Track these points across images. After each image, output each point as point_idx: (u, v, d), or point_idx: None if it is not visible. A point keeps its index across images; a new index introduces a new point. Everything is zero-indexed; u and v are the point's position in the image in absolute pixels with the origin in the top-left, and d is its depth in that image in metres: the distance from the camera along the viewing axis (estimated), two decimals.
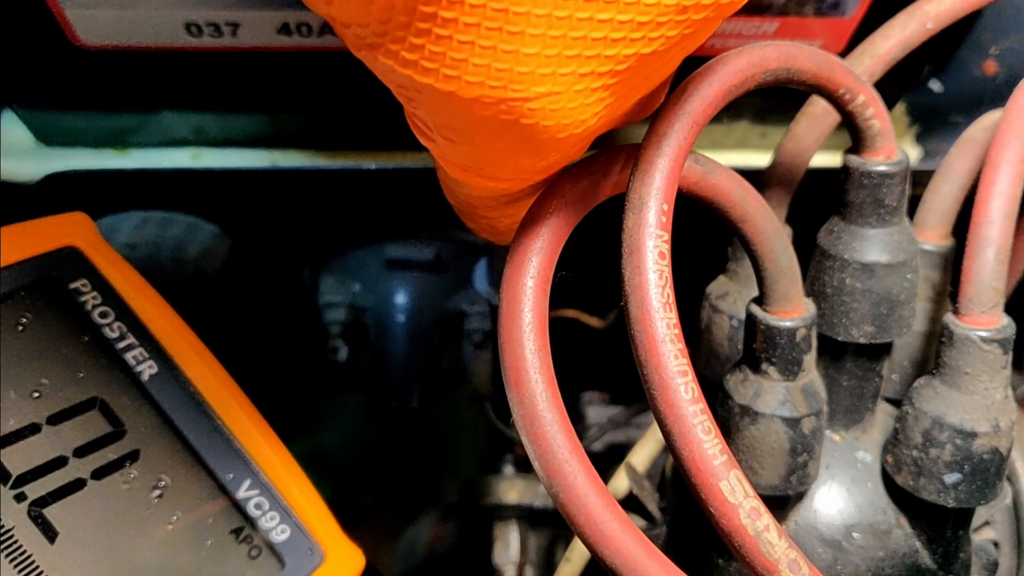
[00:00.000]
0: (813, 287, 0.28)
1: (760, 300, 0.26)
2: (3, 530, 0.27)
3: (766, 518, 0.20)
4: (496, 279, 0.46)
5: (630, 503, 0.35)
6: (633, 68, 0.18)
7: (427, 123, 0.19)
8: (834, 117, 0.30)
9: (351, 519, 0.35)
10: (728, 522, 0.20)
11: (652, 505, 0.34)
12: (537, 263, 0.21)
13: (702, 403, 0.20)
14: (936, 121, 0.41)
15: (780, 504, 0.28)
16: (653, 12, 0.17)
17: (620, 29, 0.17)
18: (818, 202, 0.30)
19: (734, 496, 0.20)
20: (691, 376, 0.20)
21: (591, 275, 0.34)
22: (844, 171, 0.27)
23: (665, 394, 0.20)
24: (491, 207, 0.25)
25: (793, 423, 0.26)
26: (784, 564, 0.20)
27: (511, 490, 0.45)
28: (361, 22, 0.16)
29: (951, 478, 0.26)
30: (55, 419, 0.29)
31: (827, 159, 0.36)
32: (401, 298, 0.49)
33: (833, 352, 0.28)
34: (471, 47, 0.16)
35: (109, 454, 0.30)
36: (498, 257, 0.46)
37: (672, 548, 0.32)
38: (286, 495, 0.32)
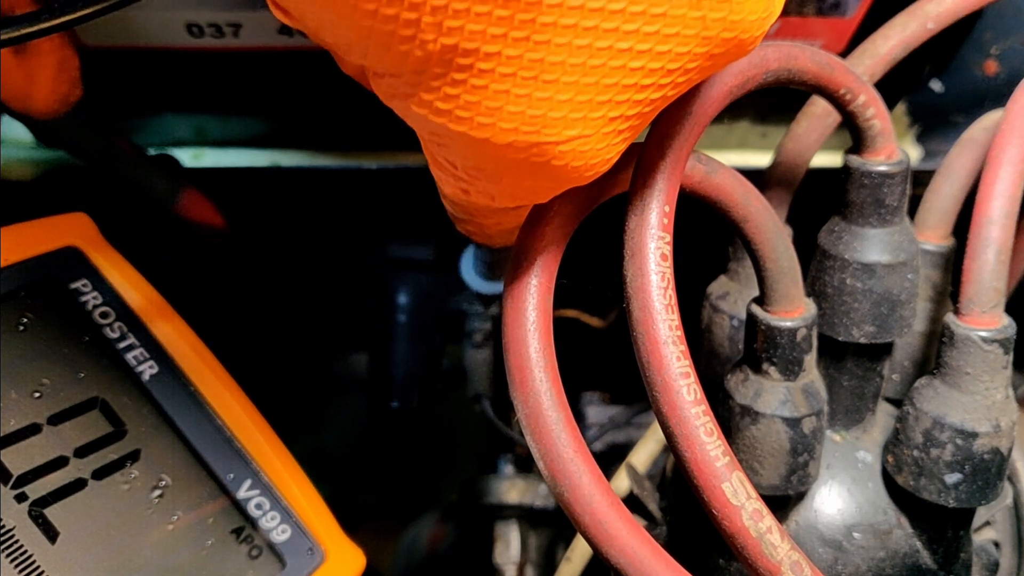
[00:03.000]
0: (814, 287, 0.28)
1: (761, 300, 0.26)
2: (4, 530, 0.27)
3: (768, 520, 0.20)
4: (482, 268, 0.46)
5: (630, 503, 0.35)
6: (657, 108, 0.18)
7: (454, 163, 0.19)
8: (835, 117, 0.30)
9: (351, 519, 0.35)
10: (731, 524, 0.20)
11: (652, 505, 0.34)
12: (541, 262, 0.21)
13: (704, 405, 0.20)
14: (937, 121, 0.41)
15: (781, 504, 0.28)
16: (684, 59, 0.17)
17: (651, 76, 0.17)
18: (819, 202, 0.30)
19: (736, 498, 0.20)
20: (693, 378, 0.20)
21: (591, 281, 0.34)
22: (845, 171, 0.27)
23: (668, 396, 0.20)
24: (488, 214, 0.25)
25: (794, 423, 0.26)
26: (786, 566, 0.20)
27: (511, 490, 0.45)
28: (395, 72, 0.16)
29: (952, 478, 0.26)
30: (56, 419, 0.29)
31: (828, 159, 0.36)
32: (401, 298, 0.49)
33: (834, 352, 0.28)
34: (506, 95, 0.16)
35: (110, 454, 0.30)
36: (484, 246, 0.46)
37: (672, 548, 0.32)
38: (287, 495, 0.32)
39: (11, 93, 0.33)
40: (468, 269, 0.46)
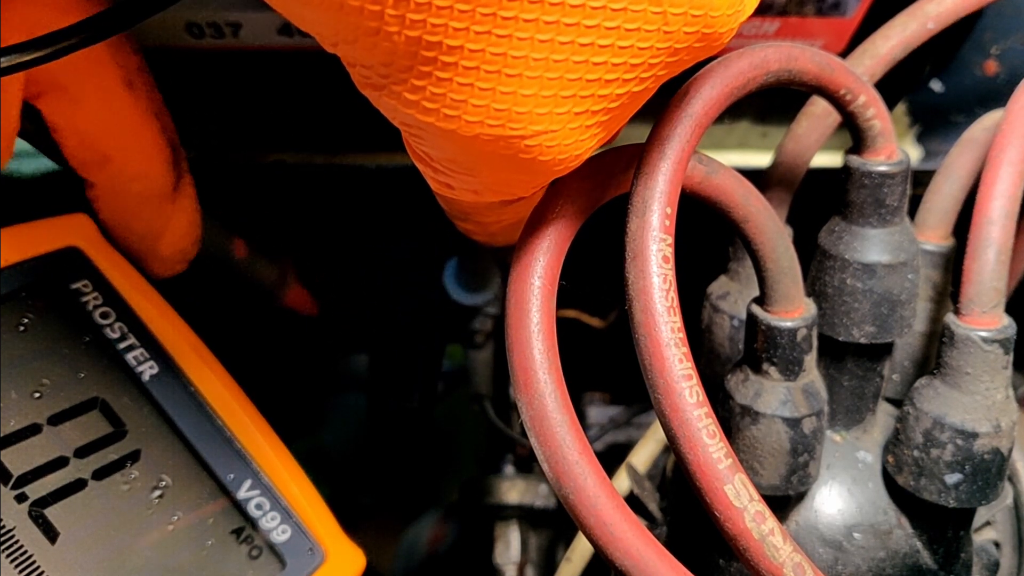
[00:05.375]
0: (814, 287, 0.28)
1: (761, 300, 0.26)
2: (4, 530, 0.27)
3: (771, 522, 0.20)
4: (464, 279, 0.46)
5: (630, 503, 0.35)
6: (625, 104, 0.18)
7: (430, 155, 0.20)
8: (835, 117, 0.30)
9: (351, 519, 0.35)
10: (733, 525, 0.20)
11: (653, 505, 0.34)
12: (544, 263, 0.21)
13: (707, 407, 0.20)
14: (937, 121, 0.41)
15: (781, 504, 0.28)
16: (646, 55, 0.17)
17: (614, 71, 0.17)
18: (819, 202, 0.30)
19: (739, 500, 0.20)
20: (695, 380, 0.20)
21: (590, 283, 0.35)
22: (845, 171, 0.27)
23: (670, 398, 0.20)
24: (485, 212, 0.25)
25: (794, 423, 0.26)
26: (789, 568, 0.20)
27: (512, 490, 0.45)
28: (365, 63, 0.17)
29: (952, 478, 0.26)
30: (56, 419, 0.29)
31: (828, 159, 0.36)
32: (401, 298, 0.49)
33: (834, 352, 0.28)
34: (470, 89, 0.16)
35: (110, 454, 0.30)
36: (467, 257, 0.46)
37: (672, 548, 0.32)
38: (287, 495, 0.32)
39: (135, 245, 0.34)
40: (451, 281, 0.46)
